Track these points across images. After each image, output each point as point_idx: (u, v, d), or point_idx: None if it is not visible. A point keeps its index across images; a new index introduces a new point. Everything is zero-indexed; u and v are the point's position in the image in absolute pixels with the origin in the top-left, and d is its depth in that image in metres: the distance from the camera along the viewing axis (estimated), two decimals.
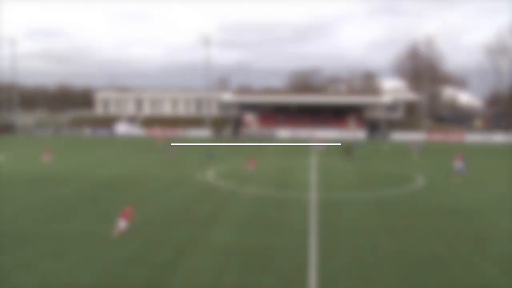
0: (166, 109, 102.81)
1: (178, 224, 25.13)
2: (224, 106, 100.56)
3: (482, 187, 36.90)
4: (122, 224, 22.35)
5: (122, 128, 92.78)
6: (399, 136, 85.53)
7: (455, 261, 19.86)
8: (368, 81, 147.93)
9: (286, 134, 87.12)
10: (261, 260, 19.34)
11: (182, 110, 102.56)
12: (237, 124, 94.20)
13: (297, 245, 21.52)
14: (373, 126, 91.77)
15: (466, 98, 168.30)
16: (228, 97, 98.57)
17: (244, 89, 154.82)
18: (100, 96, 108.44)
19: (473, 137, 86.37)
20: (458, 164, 39.34)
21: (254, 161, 43.09)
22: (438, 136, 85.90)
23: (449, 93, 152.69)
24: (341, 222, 25.79)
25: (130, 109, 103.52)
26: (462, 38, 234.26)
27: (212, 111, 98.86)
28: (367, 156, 56.59)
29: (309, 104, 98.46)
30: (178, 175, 40.87)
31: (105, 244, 21.20)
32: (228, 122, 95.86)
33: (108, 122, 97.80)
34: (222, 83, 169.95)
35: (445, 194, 33.74)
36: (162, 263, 18.91)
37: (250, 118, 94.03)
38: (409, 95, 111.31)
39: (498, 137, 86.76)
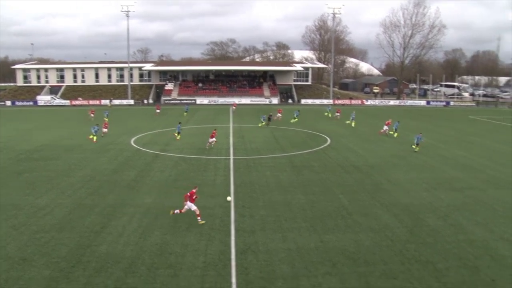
0: (89, 80, 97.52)
1: (104, 189, 24.63)
2: (145, 76, 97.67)
3: (381, 146, 39.36)
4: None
5: (44, 99, 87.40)
6: (308, 102, 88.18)
7: (357, 209, 21.43)
8: (281, 52, 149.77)
9: (205, 102, 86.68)
10: (184, 220, 19.46)
11: (104, 81, 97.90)
12: (159, 93, 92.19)
13: (218, 204, 21.95)
14: (285, 93, 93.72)
15: (366, 67, 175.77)
16: (149, 67, 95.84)
17: (165, 60, 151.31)
18: (20, 68, 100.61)
19: (372, 102, 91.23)
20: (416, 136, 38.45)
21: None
22: (343, 101, 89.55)
23: (352, 63, 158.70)
24: (257, 181, 26.55)
25: (52, 80, 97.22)
26: (363, 15, 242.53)
27: (134, 81, 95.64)
28: (284, 120, 57.92)
29: (226, 73, 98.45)
30: (104, 143, 39.72)
31: (33, 214, 20.42)
32: (150, 91, 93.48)
33: (29, 93, 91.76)
34: (144, 54, 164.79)
35: (350, 153, 35.73)
36: (90, 228, 18.56)
37: (170, 86, 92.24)
38: (318, 64, 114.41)
39: (392, 102, 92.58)
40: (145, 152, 35.49)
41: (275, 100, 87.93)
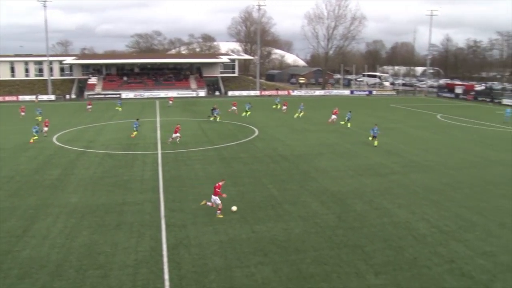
0: (3, 74, 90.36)
1: (25, 190, 23.31)
2: (67, 70, 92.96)
3: (308, 135, 40.31)
4: None
5: None
6: (236, 93, 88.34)
7: (286, 198, 21.85)
8: (207, 44, 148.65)
9: (131, 96, 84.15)
10: (113, 218, 19.05)
11: (21, 75, 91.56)
12: (82, 87, 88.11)
13: (147, 199, 21.59)
14: (212, 85, 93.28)
15: (292, 59, 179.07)
16: (70, 60, 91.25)
17: (87, 53, 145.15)
18: None
19: (298, 93, 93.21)
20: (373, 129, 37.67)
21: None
22: (269, 92, 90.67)
23: (278, 54, 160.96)
24: (187, 174, 26.36)
25: None
26: (288, 7, 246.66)
27: (55, 75, 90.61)
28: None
29: (152, 66, 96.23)
30: (23, 141, 37.38)
31: None
32: (72, 86, 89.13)
33: None
34: (65, 47, 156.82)
35: (277, 143, 36.27)
36: (10, 233, 17.49)
37: (93, 81, 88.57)
38: (244, 56, 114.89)
39: (317, 92, 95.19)
40: (69, 150, 33.91)
41: (202, 93, 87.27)
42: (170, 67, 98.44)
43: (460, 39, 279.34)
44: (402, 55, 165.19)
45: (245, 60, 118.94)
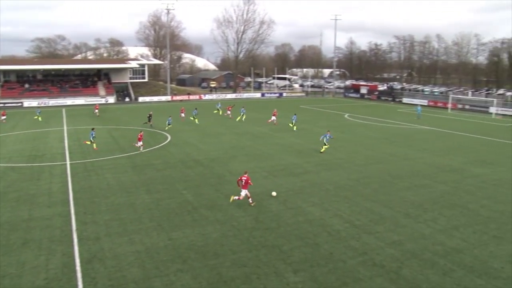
0: None
1: None
2: None
3: (220, 139, 40.35)
4: None
5: None
6: (146, 99, 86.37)
7: (202, 203, 21.71)
8: (115, 49, 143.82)
9: (34, 104, 78.86)
10: (18, 236, 17.73)
11: None
12: None
13: (56, 213, 20.37)
14: (122, 91, 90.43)
15: (202, 63, 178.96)
16: None
17: None
18: None
19: (210, 96, 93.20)
20: (327, 134, 35.22)
21: None
22: (181, 97, 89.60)
23: (188, 59, 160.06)
24: (98, 185, 25.26)
25: None
26: (197, 11, 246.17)
27: None
28: (118, 118, 55.74)
29: (56, 72, 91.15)
30: None
31: None
32: None
33: None
34: None
35: (190, 148, 35.94)
36: None
37: None
38: (154, 61, 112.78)
39: (229, 95, 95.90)
40: None
41: (111, 99, 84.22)
42: (77, 74, 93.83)
43: (363, 42, 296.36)
44: (310, 58, 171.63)
45: (155, 65, 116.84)
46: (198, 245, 16.72)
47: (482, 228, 18.73)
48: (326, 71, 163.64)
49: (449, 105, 72.68)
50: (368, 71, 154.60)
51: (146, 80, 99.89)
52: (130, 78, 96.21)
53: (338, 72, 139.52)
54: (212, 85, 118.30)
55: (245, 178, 20.98)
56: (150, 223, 18.97)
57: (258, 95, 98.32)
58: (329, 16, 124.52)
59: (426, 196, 23.10)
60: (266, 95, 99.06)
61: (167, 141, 39.21)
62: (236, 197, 21.15)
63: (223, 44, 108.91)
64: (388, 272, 14.68)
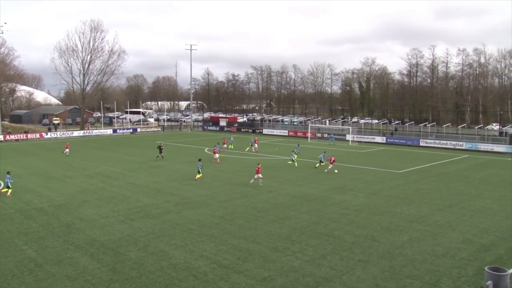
0: None
1: None
2: None
3: (67, 182, 37.86)
4: None
5: None
6: None
7: (48, 258, 19.86)
8: None
9: None
10: None
11: None
12: None
13: None
14: None
15: (42, 96, 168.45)
16: None
17: None
18: None
19: (53, 135, 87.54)
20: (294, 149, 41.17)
21: None
22: (17, 137, 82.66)
23: (24, 91, 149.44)
24: None
25: None
26: (34, 37, 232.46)
27: None
28: None
29: None
30: None
31: None
32: None
33: None
34: None
35: (31, 195, 33.09)
36: None
37: None
38: None
39: (76, 133, 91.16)
40: None
41: None
42: None
43: (220, 73, 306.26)
44: (165, 90, 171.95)
45: None
46: None
47: (348, 254, 20.07)
48: (183, 104, 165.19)
49: (309, 134, 78.74)
50: (227, 102, 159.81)
51: None
52: None
53: (195, 105, 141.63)
54: (55, 122, 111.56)
55: (259, 167, 36.23)
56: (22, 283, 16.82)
57: (109, 131, 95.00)
58: (183, 46, 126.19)
59: (292, 228, 24.13)
60: (118, 131, 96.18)
61: None
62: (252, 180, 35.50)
63: (66, 75, 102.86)
64: None
